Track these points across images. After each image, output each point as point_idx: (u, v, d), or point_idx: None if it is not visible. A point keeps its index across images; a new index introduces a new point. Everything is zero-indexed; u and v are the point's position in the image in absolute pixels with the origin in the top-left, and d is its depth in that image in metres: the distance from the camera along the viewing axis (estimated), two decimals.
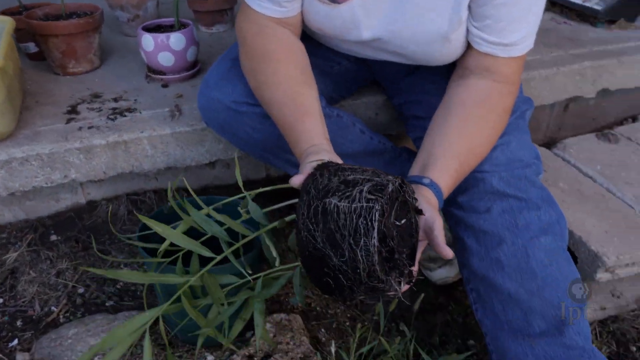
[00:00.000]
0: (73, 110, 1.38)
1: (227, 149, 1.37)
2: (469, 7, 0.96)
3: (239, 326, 0.96)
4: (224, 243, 0.93)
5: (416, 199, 0.80)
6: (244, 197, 0.93)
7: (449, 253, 0.81)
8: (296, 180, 0.79)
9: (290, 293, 1.30)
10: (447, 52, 1.03)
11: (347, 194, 0.69)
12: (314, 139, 0.90)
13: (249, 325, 1.19)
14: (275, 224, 0.88)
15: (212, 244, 0.95)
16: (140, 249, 1.03)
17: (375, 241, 0.67)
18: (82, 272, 1.34)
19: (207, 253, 0.92)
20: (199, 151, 1.35)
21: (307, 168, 0.80)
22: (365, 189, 0.69)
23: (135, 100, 1.43)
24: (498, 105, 1.01)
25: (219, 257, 0.91)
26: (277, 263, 0.92)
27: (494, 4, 0.93)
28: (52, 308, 1.25)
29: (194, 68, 1.54)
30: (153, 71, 1.51)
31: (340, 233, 0.68)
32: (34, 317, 1.23)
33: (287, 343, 1.08)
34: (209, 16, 1.89)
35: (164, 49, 1.44)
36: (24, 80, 1.51)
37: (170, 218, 1.05)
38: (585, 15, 2.03)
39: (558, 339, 0.92)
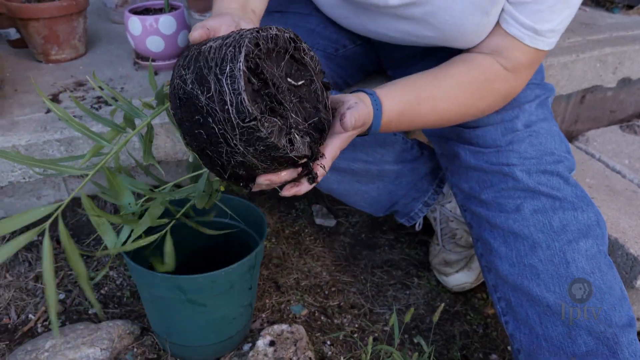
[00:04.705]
0: (54, 99, 1.26)
1: None
2: None
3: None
4: None
5: (324, 72, 0.69)
6: None
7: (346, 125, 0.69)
8: (194, 34, 0.67)
9: (293, 300, 1.18)
10: (482, 29, 0.88)
11: (228, 38, 0.61)
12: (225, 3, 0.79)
13: (246, 338, 1.08)
14: None
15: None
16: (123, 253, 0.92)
17: (241, 64, 0.57)
18: (63, 275, 1.22)
19: None
20: None
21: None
22: (247, 33, 0.60)
23: (122, 88, 1.31)
24: (491, 83, 0.88)
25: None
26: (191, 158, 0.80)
27: None
28: (30, 316, 1.14)
29: None
30: (142, 58, 1.39)
31: (207, 67, 0.59)
32: (9, 325, 1.12)
33: (290, 359, 0.96)
34: (201, 1, 1.77)
35: (153, 32, 1.31)
36: (3, 67, 1.39)
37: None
38: (601, 1, 1.92)
39: None
